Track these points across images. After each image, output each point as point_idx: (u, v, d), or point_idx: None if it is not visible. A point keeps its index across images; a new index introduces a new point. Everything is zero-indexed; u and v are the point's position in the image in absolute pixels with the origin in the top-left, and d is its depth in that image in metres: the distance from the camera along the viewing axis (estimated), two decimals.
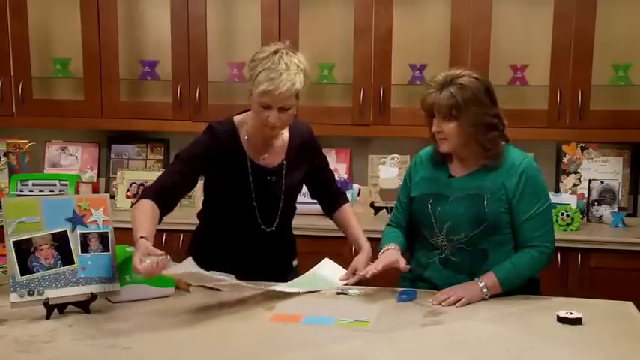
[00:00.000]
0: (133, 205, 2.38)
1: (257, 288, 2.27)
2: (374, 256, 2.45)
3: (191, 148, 2.42)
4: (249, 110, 2.41)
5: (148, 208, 2.25)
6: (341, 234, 2.71)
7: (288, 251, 2.64)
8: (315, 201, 2.74)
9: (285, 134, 2.49)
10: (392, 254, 2.35)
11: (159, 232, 3.56)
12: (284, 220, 2.53)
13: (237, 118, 2.47)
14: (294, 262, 2.66)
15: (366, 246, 2.53)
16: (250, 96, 2.33)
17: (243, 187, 2.42)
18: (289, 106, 2.30)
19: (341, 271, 2.49)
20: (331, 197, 2.68)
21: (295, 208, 2.62)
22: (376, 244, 3.32)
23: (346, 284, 2.42)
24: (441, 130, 2.28)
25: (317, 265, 2.53)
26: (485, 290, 2.26)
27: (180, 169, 2.38)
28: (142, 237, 2.10)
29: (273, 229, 2.50)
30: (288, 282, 2.41)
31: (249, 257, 2.47)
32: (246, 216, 2.45)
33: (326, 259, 2.55)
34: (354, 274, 2.42)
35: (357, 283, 2.44)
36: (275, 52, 2.28)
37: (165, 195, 2.32)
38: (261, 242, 2.49)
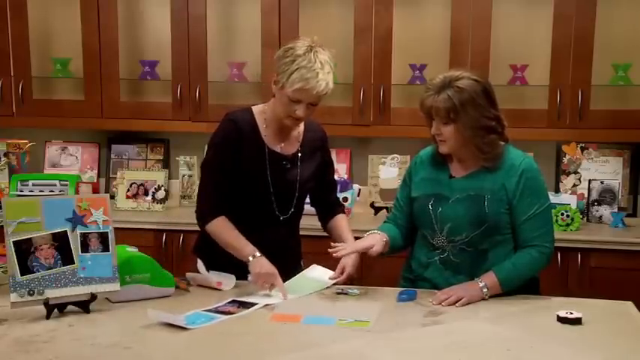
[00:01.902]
0: (202, 225, 2.48)
1: (255, 303, 2.23)
2: (363, 255, 2.45)
3: (215, 151, 2.46)
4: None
5: (229, 224, 2.40)
6: None
7: (297, 250, 2.65)
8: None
9: (301, 126, 2.55)
10: (372, 238, 2.36)
11: (159, 232, 3.60)
12: (297, 210, 2.55)
13: (255, 108, 2.52)
14: (301, 262, 2.66)
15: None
16: (280, 88, 2.36)
17: (261, 172, 2.45)
18: (319, 102, 2.39)
19: (329, 272, 2.48)
20: (329, 206, 2.68)
21: (303, 207, 2.64)
22: None
23: (335, 283, 2.41)
24: (439, 133, 2.29)
25: (306, 270, 2.53)
26: (485, 290, 2.26)
27: (219, 178, 2.43)
28: (255, 255, 2.33)
29: (288, 216, 2.52)
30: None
31: (264, 245, 2.45)
32: (263, 202, 2.47)
33: (314, 265, 2.54)
34: (342, 273, 2.42)
35: (354, 283, 2.44)
36: (310, 49, 2.35)
37: (225, 206, 2.43)
38: (275, 230, 2.50)
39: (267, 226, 2.48)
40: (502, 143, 2.33)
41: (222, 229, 2.40)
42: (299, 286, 2.40)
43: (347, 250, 2.35)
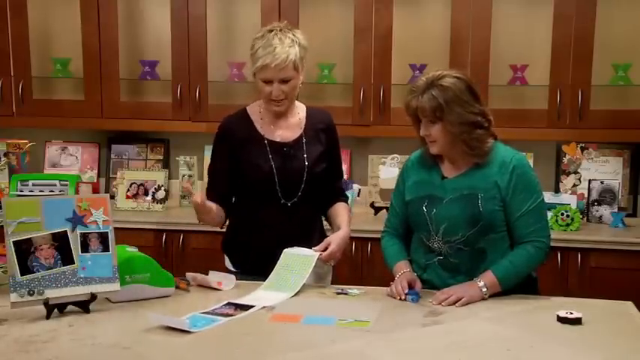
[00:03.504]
0: None
1: (252, 305, 2.21)
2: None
3: (211, 157, 2.62)
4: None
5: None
6: None
7: (313, 237, 2.60)
8: None
9: (302, 113, 2.60)
10: (412, 274, 2.35)
11: (159, 232, 3.61)
12: (306, 196, 2.55)
13: (250, 106, 2.61)
14: None
15: (345, 228, 2.54)
16: (253, 76, 2.47)
17: (264, 161, 2.51)
18: (289, 77, 2.43)
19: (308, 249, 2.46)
20: (332, 192, 2.68)
21: (316, 194, 2.62)
22: (375, 244, 3.32)
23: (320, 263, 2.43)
24: (429, 134, 2.29)
25: (283, 252, 2.45)
26: (484, 290, 2.26)
27: (213, 180, 2.62)
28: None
29: (295, 201, 2.53)
30: (270, 280, 2.36)
31: (271, 231, 2.51)
32: (268, 189, 2.51)
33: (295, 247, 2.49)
34: (325, 248, 2.44)
35: (357, 283, 2.44)
36: (270, 31, 2.44)
37: (219, 199, 2.57)
38: (282, 216, 2.52)
39: (274, 213, 2.52)
40: (490, 140, 2.33)
41: None
42: (287, 263, 2.39)
43: (400, 289, 2.30)
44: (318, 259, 2.40)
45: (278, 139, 2.54)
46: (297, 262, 2.40)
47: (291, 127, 2.57)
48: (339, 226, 2.56)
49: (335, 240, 2.47)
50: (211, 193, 2.57)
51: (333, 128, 2.65)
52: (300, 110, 2.60)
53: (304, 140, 2.56)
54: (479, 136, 2.29)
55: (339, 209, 2.64)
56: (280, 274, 2.38)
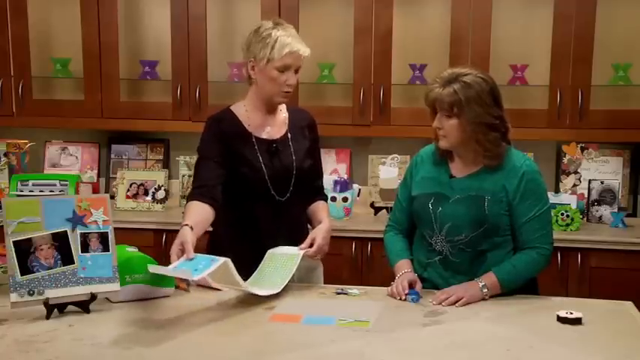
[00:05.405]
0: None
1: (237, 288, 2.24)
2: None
3: (201, 148, 2.54)
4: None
5: (194, 204, 2.40)
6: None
7: (301, 235, 2.60)
8: None
9: (285, 112, 2.62)
10: (413, 274, 2.35)
11: (159, 232, 3.60)
12: (297, 192, 2.56)
13: (234, 106, 2.61)
14: None
15: (326, 220, 2.56)
16: (265, 65, 2.45)
17: (254, 159, 2.51)
18: (300, 67, 2.48)
19: (296, 248, 2.47)
20: (312, 191, 2.68)
21: (306, 191, 2.63)
22: (375, 244, 3.33)
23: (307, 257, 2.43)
24: (441, 127, 2.29)
25: (271, 249, 2.47)
26: (485, 290, 2.26)
27: (202, 168, 2.51)
28: (185, 224, 2.27)
29: (289, 197, 2.54)
30: (254, 277, 2.36)
31: (268, 232, 2.50)
32: (260, 187, 2.51)
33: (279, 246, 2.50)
34: (311, 245, 2.44)
35: (357, 283, 2.44)
36: (277, 24, 2.48)
37: (209, 191, 2.44)
38: (275, 212, 2.52)
39: (268, 209, 2.52)
40: (504, 144, 2.32)
41: (186, 208, 2.43)
42: (272, 262, 2.39)
43: (401, 290, 2.31)
44: (304, 256, 2.41)
45: (265, 137, 2.55)
46: (280, 260, 2.41)
47: (277, 125, 2.58)
48: (320, 220, 2.57)
49: (320, 234, 2.48)
50: (197, 191, 2.45)
51: (314, 126, 2.68)
52: (282, 108, 2.62)
53: (290, 137, 2.58)
54: (494, 138, 2.28)
55: (319, 206, 2.65)
56: (264, 273, 2.38)
